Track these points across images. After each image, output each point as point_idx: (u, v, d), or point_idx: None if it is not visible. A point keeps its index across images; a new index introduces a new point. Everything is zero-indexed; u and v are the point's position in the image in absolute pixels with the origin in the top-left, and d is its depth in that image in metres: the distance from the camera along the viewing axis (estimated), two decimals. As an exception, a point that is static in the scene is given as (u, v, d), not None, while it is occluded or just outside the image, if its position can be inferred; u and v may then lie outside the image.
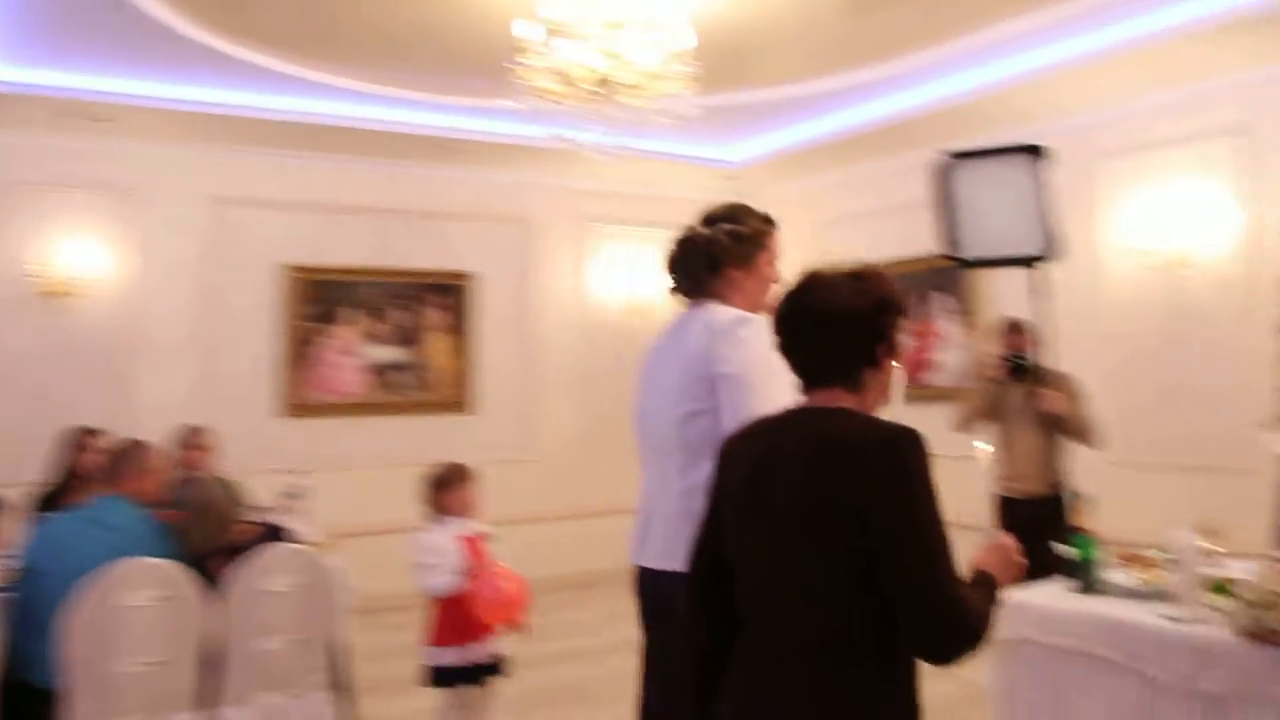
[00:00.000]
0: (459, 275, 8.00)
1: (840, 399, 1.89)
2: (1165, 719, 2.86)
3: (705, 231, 2.68)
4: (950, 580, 1.72)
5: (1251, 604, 2.71)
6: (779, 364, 1.97)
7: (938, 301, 7.33)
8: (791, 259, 8.06)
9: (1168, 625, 2.91)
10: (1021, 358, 5.14)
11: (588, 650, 6.25)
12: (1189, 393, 5.79)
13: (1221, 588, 2.97)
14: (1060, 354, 5.10)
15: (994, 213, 4.36)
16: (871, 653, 1.74)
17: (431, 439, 7.60)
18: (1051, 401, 4.89)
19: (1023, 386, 5.08)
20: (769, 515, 1.83)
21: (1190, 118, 5.78)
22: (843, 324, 1.87)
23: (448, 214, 7.98)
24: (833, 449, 1.77)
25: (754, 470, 1.88)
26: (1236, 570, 3.01)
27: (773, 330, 1.96)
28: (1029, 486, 5.02)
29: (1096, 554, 3.37)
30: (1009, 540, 1.98)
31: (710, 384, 2.47)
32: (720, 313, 2.56)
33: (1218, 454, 5.56)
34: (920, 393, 7.39)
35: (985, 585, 1.87)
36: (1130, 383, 6.01)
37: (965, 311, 7.14)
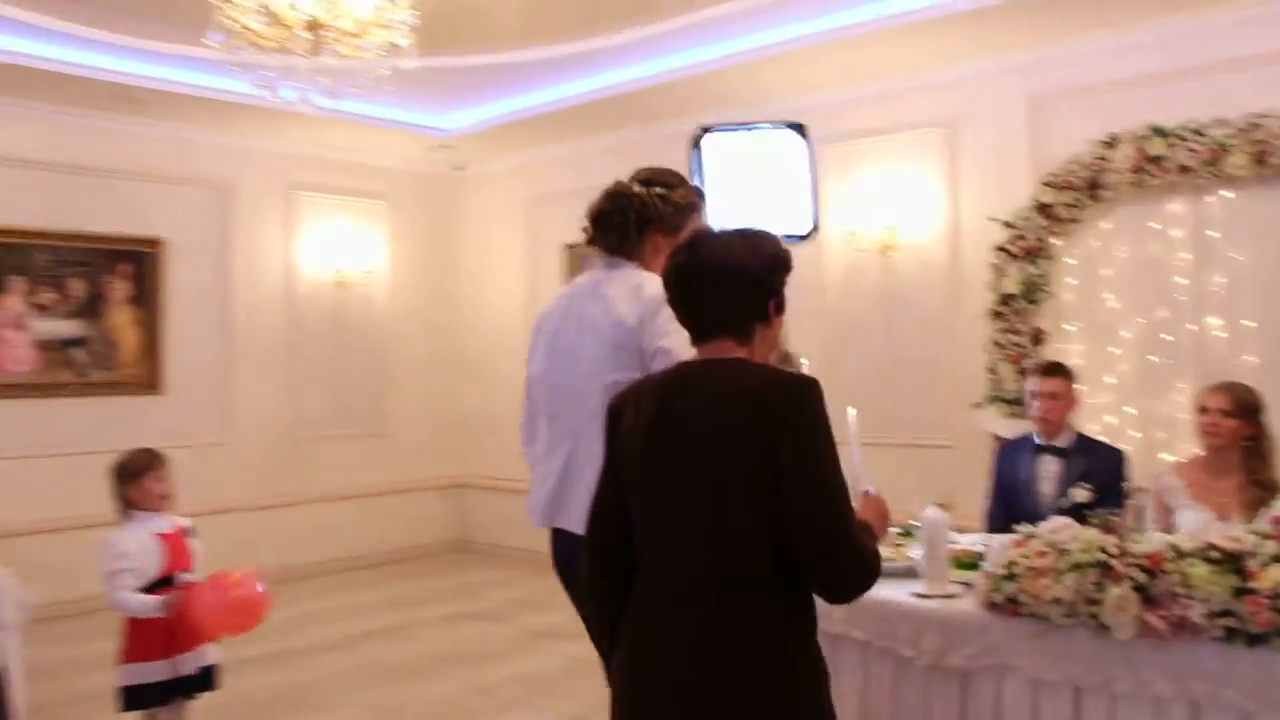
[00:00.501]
0: (147, 242, 7.22)
1: (732, 350, 1.96)
2: (919, 697, 2.93)
3: (638, 190, 2.63)
4: (854, 522, 1.85)
5: (995, 576, 2.82)
6: None
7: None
8: (503, 236, 8.01)
9: (918, 603, 2.95)
10: None
11: (299, 652, 5.82)
12: (906, 372, 6.08)
13: (964, 562, 3.08)
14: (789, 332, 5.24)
15: (754, 189, 4.40)
16: (778, 588, 1.85)
17: (117, 423, 6.88)
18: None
19: None
20: (680, 464, 1.89)
21: (899, 108, 6.09)
22: (739, 278, 1.95)
23: (134, 173, 7.16)
24: (744, 398, 1.86)
25: (657, 424, 1.94)
26: (967, 543, 3.12)
27: (666, 283, 2.02)
28: None
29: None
30: (880, 495, 2.16)
31: (642, 355, 2.45)
32: (652, 282, 2.47)
33: (933, 432, 5.90)
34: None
35: (868, 532, 1.97)
36: (851, 361, 6.25)
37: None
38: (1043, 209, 5.13)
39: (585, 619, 2.49)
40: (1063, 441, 4.14)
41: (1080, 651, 2.70)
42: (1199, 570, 2.54)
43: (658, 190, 2.65)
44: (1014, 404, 5.18)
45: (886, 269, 6.13)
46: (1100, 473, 4.01)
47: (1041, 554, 2.76)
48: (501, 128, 7.67)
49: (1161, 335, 5.04)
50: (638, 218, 2.62)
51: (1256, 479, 3.65)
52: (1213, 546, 2.59)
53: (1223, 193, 4.85)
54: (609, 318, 2.54)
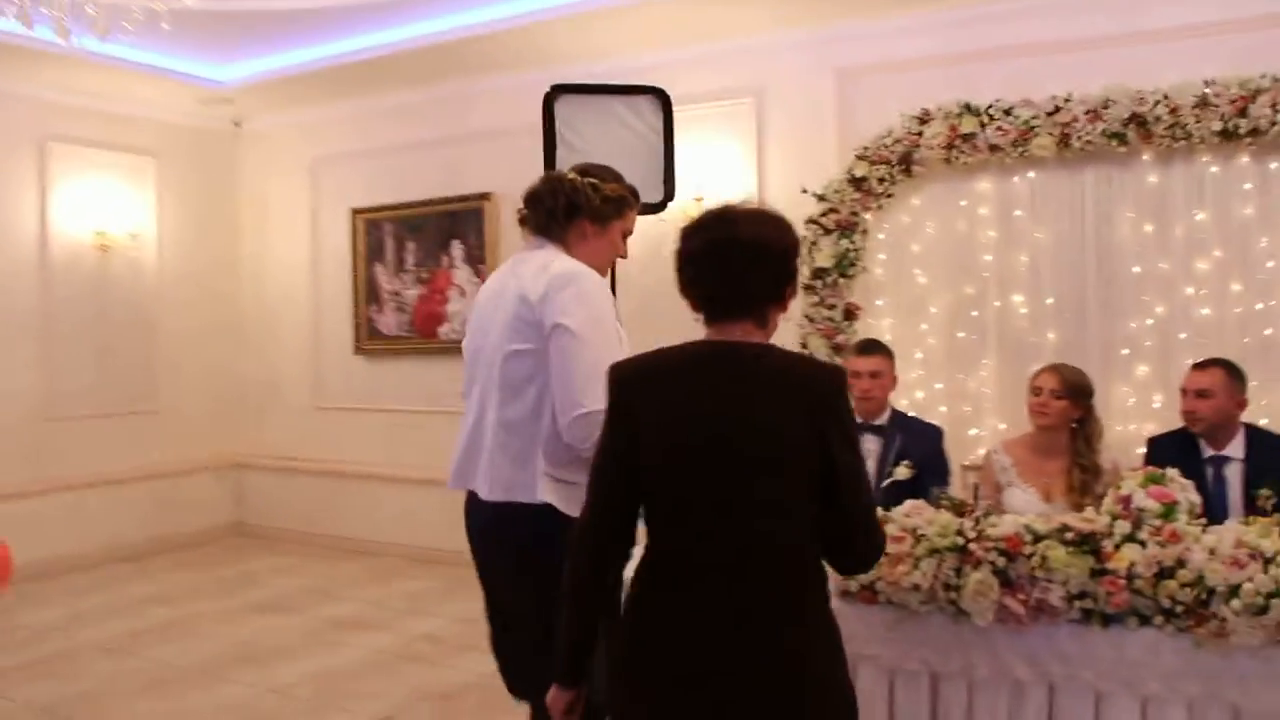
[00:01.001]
0: None
1: (751, 334, 1.99)
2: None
3: (573, 178, 2.73)
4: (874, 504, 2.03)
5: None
6: (613, 324, 2.38)
7: (455, 249, 7.04)
8: (283, 196, 7.44)
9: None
10: None
11: (65, 657, 5.18)
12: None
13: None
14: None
15: (606, 155, 4.27)
16: (811, 560, 1.97)
17: None
18: None
19: None
20: (739, 441, 1.91)
21: (706, 75, 5.95)
22: (768, 258, 1.98)
23: None
24: (789, 382, 1.94)
25: (690, 404, 1.95)
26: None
27: (689, 258, 2.01)
28: None
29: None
30: None
31: (541, 329, 2.52)
32: (564, 261, 2.61)
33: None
34: (431, 346, 7.10)
35: None
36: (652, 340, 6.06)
37: (482, 259, 6.91)
38: (855, 182, 5.12)
39: (502, 599, 2.68)
40: (881, 420, 4.15)
41: (938, 638, 2.65)
42: (1057, 553, 2.52)
43: (590, 180, 2.73)
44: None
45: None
46: (919, 450, 4.04)
47: (897, 539, 2.69)
48: (285, 81, 7.07)
49: (969, 312, 5.15)
50: (567, 202, 2.69)
51: (1081, 462, 3.75)
52: (1067, 528, 2.58)
53: (1029, 173, 4.98)
54: (517, 292, 2.60)
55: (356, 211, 7.44)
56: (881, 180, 5.10)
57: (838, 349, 5.14)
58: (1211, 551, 2.42)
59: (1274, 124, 4.37)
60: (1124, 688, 2.48)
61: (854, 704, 2.01)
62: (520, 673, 2.68)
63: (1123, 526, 2.55)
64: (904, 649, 2.68)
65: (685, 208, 5.80)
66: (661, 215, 4.50)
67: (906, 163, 5.08)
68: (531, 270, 2.61)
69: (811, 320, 5.19)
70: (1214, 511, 3.50)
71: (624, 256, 2.84)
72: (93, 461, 7.15)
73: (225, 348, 8.07)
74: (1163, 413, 4.70)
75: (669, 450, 1.97)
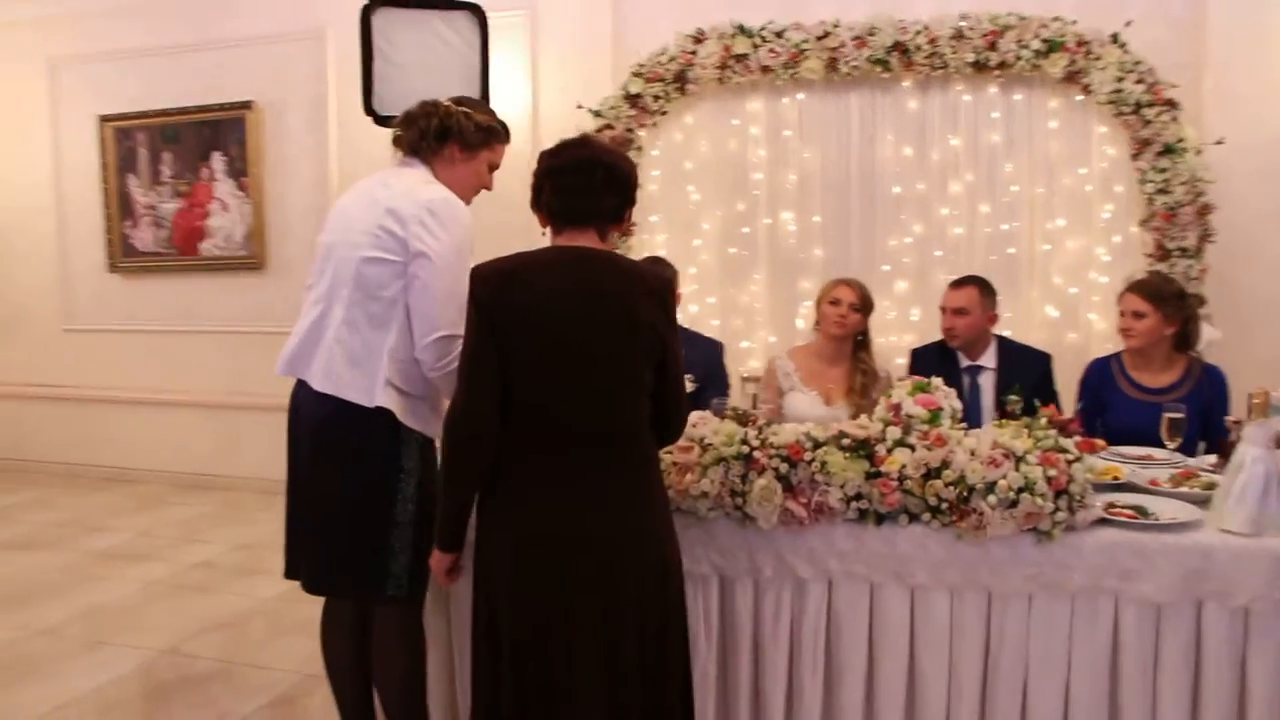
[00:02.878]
0: None
1: (596, 243, 2.31)
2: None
3: (448, 104, 2.84)
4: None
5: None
6: (469, 251, 2.61)
7: (216, 161, 6.59)
8: (16, 101, 6.72)
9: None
10: None
11: None
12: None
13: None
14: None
15: (423, 70, 4.17)
16: (648, 435, 2.35)
17: None
18: None
19: None
20: (602, 334, 2.24)
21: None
22: (623, 180, 2.34)
23: None
24: (633, 279, 2.29)
25: (575, 298, 2.24)
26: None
27: (551, 173, 2.32)
28: None
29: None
30: None
31: (406, 248, 2.62)
32: (436, 188, 2.72)
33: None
34: (193, 263, 6.68)
35: None
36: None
37: (245, 172, 6.52)
38: (631, 99, 5.14)
39: (308, 487, 2.72)
40: (666, 334, 4.25)
41: (725, 543, 2.76)
42: (835, 458, 2.67)
43: (464, 109, 2.84)
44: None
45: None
46: (701, 363, 4.15)
47: (685, 449, 2.77)
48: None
49: (741, 229, 5.30)
50: (440, 125, 2.80)
51: (862, 368, 4.01)
52: (844, 435, 2.73)
53: (798, 95, 5.14)
54: (386, 204, 2.68)
55: (105, 119, 6.83)
56: (656, 98, 5.14)
57: (616, 266, 5.20)
58: (972, 453, 2.62)
59: (1019, 59, 4.69)
60: (894, 579, 2.67)
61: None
62: (304, 562, 2.79)
63: (894, 432, 2.72)
64: (695, 554, 2.78)
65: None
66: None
67: (681, 81, 5.13)
68: (403, 187, 2.71)
69: (589, 237, 5.21)
70: (971, 417, 3.82)
71: (489, 189, 2.93)
72: None
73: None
74: (920, 325, 5.04)
75: (531, 342, 2.23)
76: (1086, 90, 4.69)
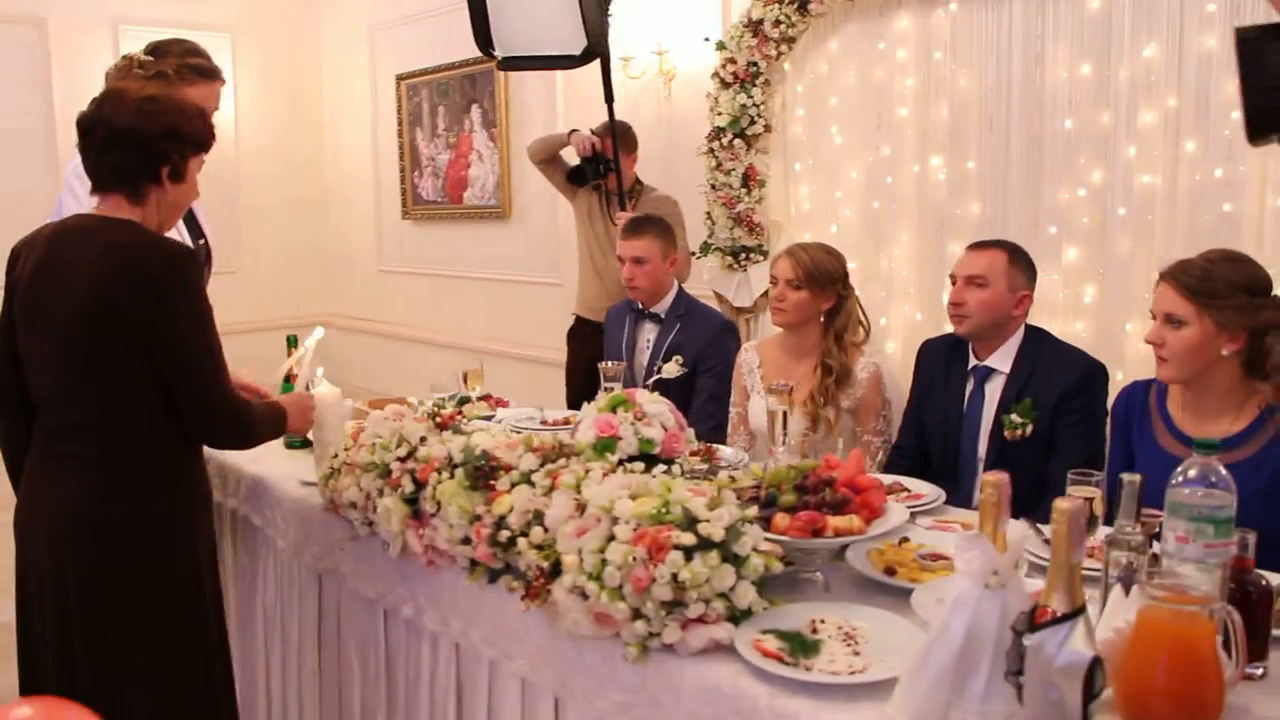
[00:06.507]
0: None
1: (124, 209, 2.12)
2: (290, 588, 2.66)
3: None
4: (219, 380, 2.14)
5: (324, 471, 2.42)
6: None
7: (474, 113, 6.77)
8: (350, 66, 7.13)
9: (307, 492, 2.61)
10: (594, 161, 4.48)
11: None
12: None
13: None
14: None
15: (529, 6, 3.92)
16: (146, 429, 2.11)
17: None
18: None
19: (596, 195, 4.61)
20: (55, 311, 2.07)
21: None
22: (128, 139, 2.09)
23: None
24: (118, 257, 2.03)
25: (40, 271, 2.10)
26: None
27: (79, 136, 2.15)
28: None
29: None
30: (310, 402, 2.49)
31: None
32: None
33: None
34: (458, 211, 6.95)
35: (272, 408, 2.35)
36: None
37: (495, 123, 6.61)
38: (752, 26, 4.35)
39: None
40: (659, 308, 3.58)
41: (382, 565, 2.28)
42: (447, 486, 2.05)
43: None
44: (734, 255, 4.57)
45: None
46: (695, 343, 3.45)
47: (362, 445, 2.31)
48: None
49: (884, 178, 4.31)
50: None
51: (828, 362, 3.04)
52: (488, 456, 2.09)
53: (950, 5, 4.02)
54: None
55: (400, 77, 7.33)
56: (778, 23, 4.29)
57: (739, 220, 4.49)
58: (580, 509, 1.86)
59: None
60: (507, 659, 2.01)
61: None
62: None
63: (530, 461, 2.03)
64: (361, 569, 2.34)
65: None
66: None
67: (802, 1, 4.24)
68: None
69: (714, 187, 4.55)
70: (967, 438, 2.81)
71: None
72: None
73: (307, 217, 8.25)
74: (1093, 309, 3.77)
75: (18, 322, 2.15)
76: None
